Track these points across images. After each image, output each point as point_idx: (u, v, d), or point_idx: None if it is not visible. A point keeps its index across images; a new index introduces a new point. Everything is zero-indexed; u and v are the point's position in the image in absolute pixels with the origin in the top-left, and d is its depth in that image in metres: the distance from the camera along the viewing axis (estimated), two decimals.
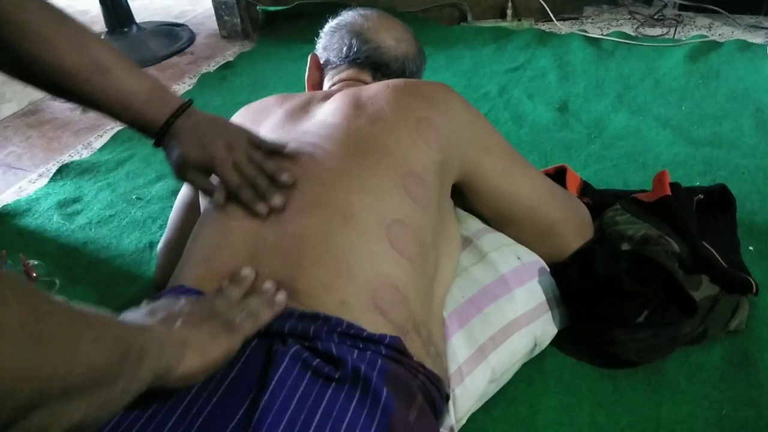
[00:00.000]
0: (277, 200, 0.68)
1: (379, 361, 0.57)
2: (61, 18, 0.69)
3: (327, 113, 0.79)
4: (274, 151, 0.74)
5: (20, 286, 0.35)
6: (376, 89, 0.80)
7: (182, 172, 0.73)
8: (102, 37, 0.74)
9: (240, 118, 0.89)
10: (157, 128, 0.72)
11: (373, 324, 0.61)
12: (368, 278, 0.63)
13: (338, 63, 0.96)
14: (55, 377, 0.35)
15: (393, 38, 0.96)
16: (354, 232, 0.65)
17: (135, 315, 0.55)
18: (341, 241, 0.64)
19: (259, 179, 0.70)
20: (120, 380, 0.42)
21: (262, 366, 0.54)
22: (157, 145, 0.74)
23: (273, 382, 0.52)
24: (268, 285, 0.61)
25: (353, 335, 0.58)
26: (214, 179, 0.74)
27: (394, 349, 0.60)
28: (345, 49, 0.95)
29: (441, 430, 0.72)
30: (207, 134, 0.72)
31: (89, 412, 0.40)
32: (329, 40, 0.99)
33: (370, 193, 0.69)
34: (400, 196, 0.70)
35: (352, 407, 0.52)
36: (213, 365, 0.53)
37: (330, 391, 0.53)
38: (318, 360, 0.55)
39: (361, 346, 0.58)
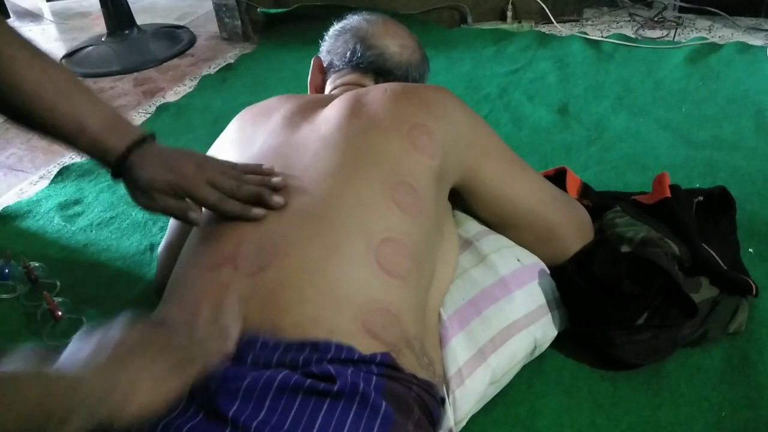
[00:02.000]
0: (277, 199, 0.66)
1: (374, 378, 0.57)
2: (24, 42, 0.68)
3: (323, 121, 0.78)
4: (251, 171, 0.71)
5: None
6: (374, 94, 0.80)
7: (151, 198, 0.68)
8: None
9: (240, 120, 0.89)
10: (115, 156, 0.68)
11: (364, 347, 0.60)
12: (358, 306, 0.62)
13: (341, 67, 0.96)
14: None
15: (397, 45, 0.96)
16: (343, 262, 0.63)
17: (81, 352, 0.51)
18: (329, 273, 0.62)
19: (245, 187, 0.67)
20: None
21: (247, 397, 0.53)
22: (115, 175, 0.69)
23: (263, 410, 0.51)
24: (232, 307, 0.60)
25: (344, 360, 0.57)
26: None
27: (385, 366, 0.60)
28: (349, 53, 0.95)
29: None
30: (173, 158, 0.69)
31: None
32: (333, 43, 0.99)
33: (357, 213, 0.67)
34: (389, 209, 0.68)
35: (350, 417, 0.52)
36: (159, 409, 0.51)
37: (325, 407, 0.52)
38: (310, 380, 0.54)
39: (352, 368, 0.57)
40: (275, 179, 0.68)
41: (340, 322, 0.60)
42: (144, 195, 0.68)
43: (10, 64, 0.65)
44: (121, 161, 0.68)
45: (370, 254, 0.65)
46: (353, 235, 0.65)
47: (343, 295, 0.62)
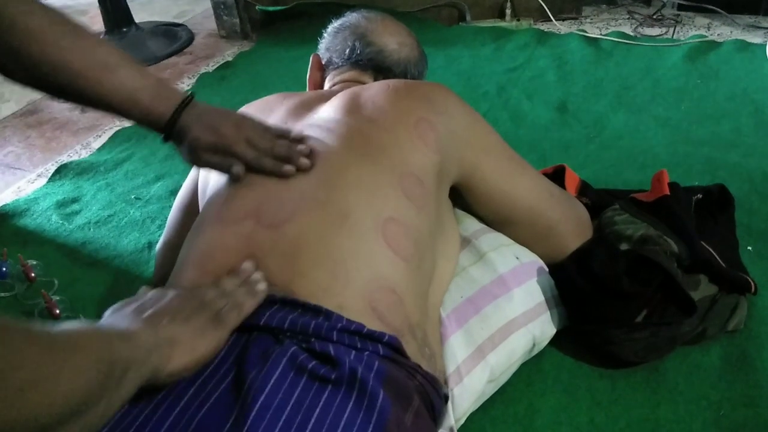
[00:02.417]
0: (304, 161, 0.70)
1: (377, 363, 0.57)
2: (65, 21, 0.70)
3: (328, 111, 0.79)
4: (281, 135, 0.75)
5: None
6: (376, 89, 0.80)
7: (197, 156, 0.74)
8: (101, 37, 0.74)
9: None
10: (164, 122, 0.73)
11: (371, 326, 0.61)
12: (366, 281, 0.63)
13: (340, 64, 0.96)
14: (36, 418, 0.36)
15: (396, 42, 0.96)
16: (351, 232, 0.65)
17: (122, 314, 0.56)
18: (339, 242, 0.65)
19: (278, 147, 0.72)
20: (103, 400, 0.43)
21: (257, 368, 0.54)
22: (166, 139, 0.75)
23: (267, 388, 0.51)
24: (248, 267, 0.63)
25: (354, 331, 0.59)
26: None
27: (391, 348, 0.60)
28: (348, 50, 0.95)
29: (440, 430, 0.72)
30: (215, 119, 0.74)
31: None
32: (332, 40, 0.99)
33: (366, 191, 0.69)
34: (397, 195, 0.70)
35: (347, 411, 0.52)
36: (201, 360, 0.54)
37: (326, 395, 0.53)
38: (314, 362, 0.55)
39: (359, 345, 0.58)
40: (301, 146, 0.72)
41: (349, 296, 0.62)
42: (190, 154, 0.75)
43: (55, 45, 0.68)
44: (170, 126, 0.73)
45: (377, 229, 0.67)
46: (361, 208, 0.67)
47: (352, 268, 0.64)
